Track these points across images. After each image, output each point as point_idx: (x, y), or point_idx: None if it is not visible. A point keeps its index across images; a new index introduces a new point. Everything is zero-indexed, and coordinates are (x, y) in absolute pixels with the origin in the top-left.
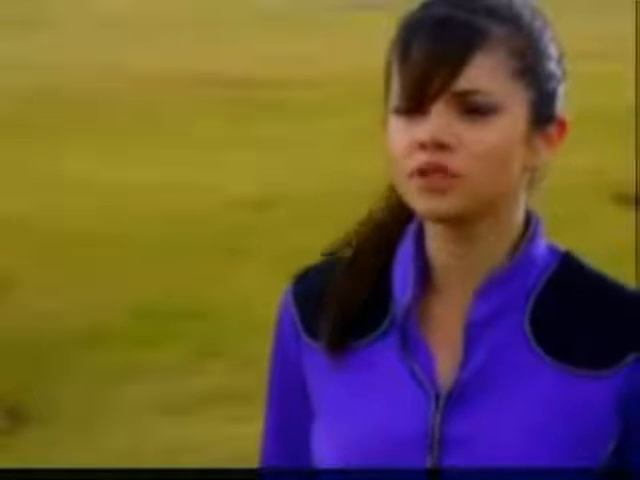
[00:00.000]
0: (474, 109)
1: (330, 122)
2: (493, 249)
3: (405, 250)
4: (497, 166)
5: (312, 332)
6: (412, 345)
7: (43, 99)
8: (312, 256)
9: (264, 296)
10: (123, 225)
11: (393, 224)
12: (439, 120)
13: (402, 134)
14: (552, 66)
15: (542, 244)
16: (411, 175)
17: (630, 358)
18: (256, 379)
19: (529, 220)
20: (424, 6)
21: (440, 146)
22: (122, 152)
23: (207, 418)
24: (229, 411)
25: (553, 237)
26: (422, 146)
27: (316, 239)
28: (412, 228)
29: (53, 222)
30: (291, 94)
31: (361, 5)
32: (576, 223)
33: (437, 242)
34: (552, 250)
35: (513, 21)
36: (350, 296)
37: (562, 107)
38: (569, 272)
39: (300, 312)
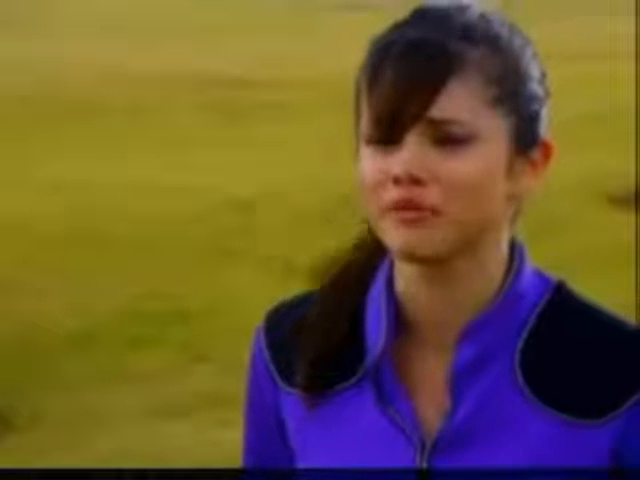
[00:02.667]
0: (449, 139)
1: (327, 122)
2: (476, 288)
3: (376, 292)
4: (476, 199)
5: (286, 377)
6: (390, 393)
7: (42, 101)
8: (307, 258)
9: (255, 299)
10: (114, 226)
11: (363, 260)
12: (412, 152)
13: (373, 165)
14: (533, 87)
15: (530, 275)
16: (385, 210)
17: (629, 403)
18: (245, 383)
19: (513, 249)
20: (395, 28)
21: (414, 181)
22: (118, 153)
23: (196, 422)
24: (218, 415)
25: (549, 238)
26: (396, 181)
27: (312, 240)
28: (384, 267)
29: (44, 224)
30: (288, 95)
31: (360, 5)
32: (571, 224)
33: (412, 284)
34: (542, 280)
35: (490, 43)
36: (324, 341)
37: (546, 129)
38: (562, 308)
39: (273, 355)
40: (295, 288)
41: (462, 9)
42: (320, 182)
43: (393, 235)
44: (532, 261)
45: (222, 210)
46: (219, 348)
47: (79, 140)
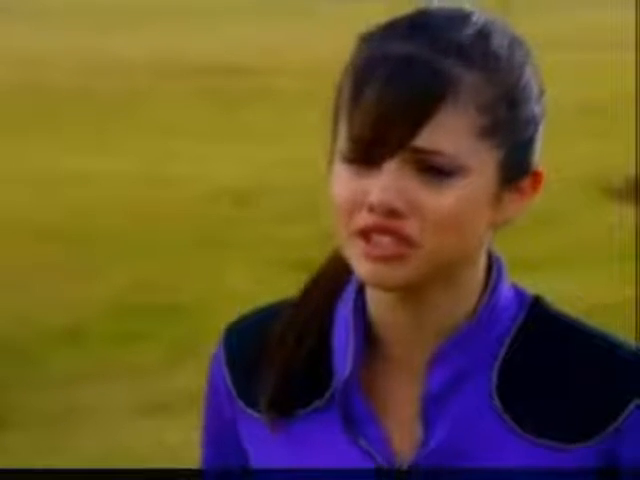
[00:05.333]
0: (433, 170)
1: (324, 111)
2: (450, 311)
3: (344, 311)
4: (457, 232)
5: (246, 398)
6: (358, 420)
7: (32, 90)
8: (300, 251)
9: (248, 293)
10: (105, 218)
11: (333, 276)
12: (391, 180)
13: (348, 185)
14: (530, 109)
15: (506, 292)
16: (354, 234)
17: (615, 424)
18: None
19: (490, 265)
20: (385, 36)
21: (390, 212)
22: (110, 143)
23: (184, 419)
24: None
25: (548, 230)
26: (370, 209)
27: (303, 233)
28: (352, 285)
29: (29, 217)
30: (285, 83)
31: None
32: (571, 216)
33: (382, 308)
34: (518, 296)
35: (488, 64)
36: (289, 363)
37: (538, 154)
38: (539, 326)
39: (233, 375)
40: (290, 281)
41: (463, 19)
42: (317, 172)
43: (360, 263)
44: (508, 276)
45: (215, 201)
46: (210, 344)
47: (71, 131)
